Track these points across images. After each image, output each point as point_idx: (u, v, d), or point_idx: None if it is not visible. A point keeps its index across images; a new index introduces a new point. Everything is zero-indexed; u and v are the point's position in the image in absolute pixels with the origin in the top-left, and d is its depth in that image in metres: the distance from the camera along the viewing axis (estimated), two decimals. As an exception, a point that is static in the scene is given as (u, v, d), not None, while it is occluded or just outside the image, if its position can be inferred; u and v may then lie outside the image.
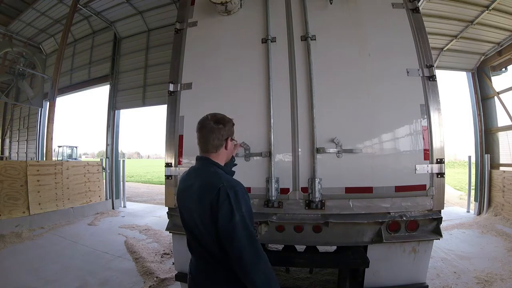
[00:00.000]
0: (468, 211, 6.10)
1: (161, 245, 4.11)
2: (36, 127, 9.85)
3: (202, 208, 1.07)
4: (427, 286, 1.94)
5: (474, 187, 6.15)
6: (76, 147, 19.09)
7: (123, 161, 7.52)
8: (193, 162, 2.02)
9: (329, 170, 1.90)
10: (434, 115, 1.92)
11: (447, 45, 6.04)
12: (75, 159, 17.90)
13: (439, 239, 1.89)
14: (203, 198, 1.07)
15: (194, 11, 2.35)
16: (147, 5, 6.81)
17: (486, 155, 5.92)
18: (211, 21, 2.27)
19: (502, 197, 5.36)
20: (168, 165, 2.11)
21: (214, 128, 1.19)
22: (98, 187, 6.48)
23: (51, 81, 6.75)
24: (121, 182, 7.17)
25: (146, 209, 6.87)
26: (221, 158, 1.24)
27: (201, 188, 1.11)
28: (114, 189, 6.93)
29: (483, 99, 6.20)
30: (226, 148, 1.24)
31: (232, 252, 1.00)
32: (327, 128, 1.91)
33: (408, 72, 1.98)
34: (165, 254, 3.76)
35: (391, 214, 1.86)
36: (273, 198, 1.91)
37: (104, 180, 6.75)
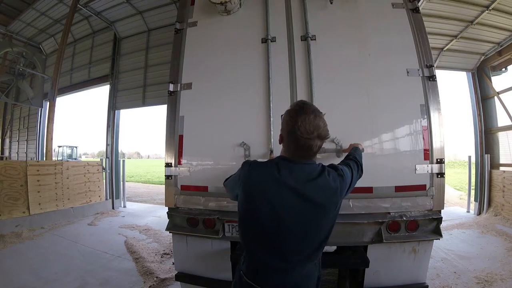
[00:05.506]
0: (468, 211, 6.10)
1: (161, 245, 4.11)
2: (36, 127, 9.86)
3: (329, 202, 1.10)
4: (427, 286, 1.94)
5: (474, 187, 6.15)
6: (76, 147, 19.07)
7: (123, 161, 7.52)
8: (194, 163, 2.08)
9: None
10: (434, 115, 1.92)
11: (447, 45, 6.04)
12: (75, 159, 17.88)
13: (439, 239, 1.88)
14: (332, 189, 1.10)
15: (194, 11, 2.35)
16: (147, 5, 6.82)
17: (486, 155, 5.92)
18: (211, 21, 2.27)
19: (502, 197, 5.37)
20: (168, 165, 2.10)
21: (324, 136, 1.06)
22: (98, 187, 6.48)
23: (51, 81, 6.76)
24: (121, 182, 7.18)
25: (146, 209, 6.88)
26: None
27: (325, 184, 1.08)
28: (114, 189, 6.94)
29: (483, 99, 6.21)
30: None
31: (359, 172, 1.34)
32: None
33: (408, 72, 1.97)
34: (165, 254, 3.76)
35: (391, 214, 1.85)
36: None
37: (104, 180, 6.75)
